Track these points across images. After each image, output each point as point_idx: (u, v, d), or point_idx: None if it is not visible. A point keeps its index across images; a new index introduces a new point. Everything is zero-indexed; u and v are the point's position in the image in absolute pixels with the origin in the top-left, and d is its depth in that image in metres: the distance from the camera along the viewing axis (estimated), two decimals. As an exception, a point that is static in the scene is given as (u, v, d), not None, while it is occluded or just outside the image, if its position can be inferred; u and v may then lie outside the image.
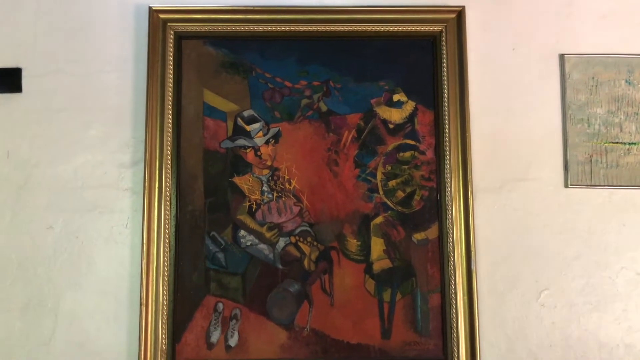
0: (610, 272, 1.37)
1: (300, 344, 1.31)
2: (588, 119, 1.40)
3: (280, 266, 1.34)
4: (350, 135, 1.40)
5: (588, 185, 1.38)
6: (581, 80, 1.41)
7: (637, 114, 1.40)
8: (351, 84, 1.42)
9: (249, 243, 1.35)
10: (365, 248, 1.37)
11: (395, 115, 1.41)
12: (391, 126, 1.41)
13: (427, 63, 1.43)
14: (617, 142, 1.39)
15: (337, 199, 1.38)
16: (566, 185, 1.39)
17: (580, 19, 1.46)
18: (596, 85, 1.41)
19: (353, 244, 1.36)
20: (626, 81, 1.41)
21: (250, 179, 1.38)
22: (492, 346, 1.34)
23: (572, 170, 1.38)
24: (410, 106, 1.41)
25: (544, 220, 1.38)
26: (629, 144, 1.39)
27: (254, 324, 1.32)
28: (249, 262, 1.34)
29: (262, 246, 1.35)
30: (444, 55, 1.41)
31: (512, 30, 1.45)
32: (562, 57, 1.43)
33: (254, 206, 1.37)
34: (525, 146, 1.41)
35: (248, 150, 1.39)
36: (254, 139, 1.39)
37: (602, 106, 1.40)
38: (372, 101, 1.41)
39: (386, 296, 1.35)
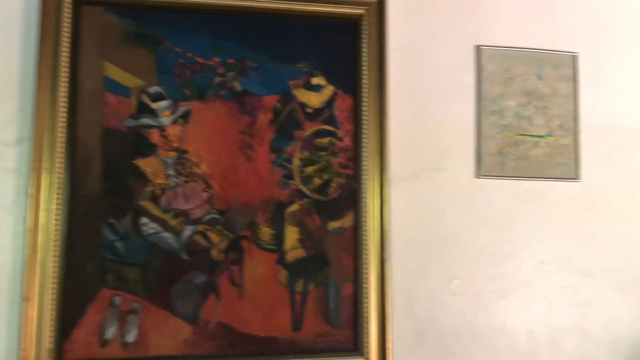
0: (516, 261, 1.48)
1: (206, 338, 1.29)
2: (501, 111, 1.49)
3: (185, 256, 1.31)
4: (267, 118, 1.39)
5: (498, 176, 1.48)
6: (496, 73, 1.50)
7: (546, 108, 1.51)
8: (268, 64, 1.41)
9: (151, 231, 1.30)
10: (279, 237, 1.37)
11: (314, 100, 1.42)
12: (309, 110, 1.42)
13: (347, 47, 1.45)
14: (526, 135, 1.50)
15: (251, 185, 1.37)
16: (478, 176, 1.47)
17: (498, 11, 1.54)
18: (509, 79, 1.51)
19: (266, 232, 1.36)
20: (537, 75, 1.52)
21: (155, 162, 1.33)
22: (403, 336, 1.40)
23: (484, 161, 1.47)
24: (329, 91, 1.43)
25: (456, 210, 1.46)
26: (538, 136, 1.50)
27: (155, 318, 1.28)
28: (151, 252, 1.30)
29: (166, 235, 1.31)
30: (364, 40, 1.43)
31: (432, 19, 1.51)
32: (478, 48, 1.51)
33: (158, 191, 1.32)
34: (440, 136, 1.48)
35: (153, 130, 1.33)
36: (160, 118, 1.34)
37: (514, 99, 1.50)
38: (290, 83, 1.41)
39: (299, 287, 1.36)
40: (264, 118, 1.39)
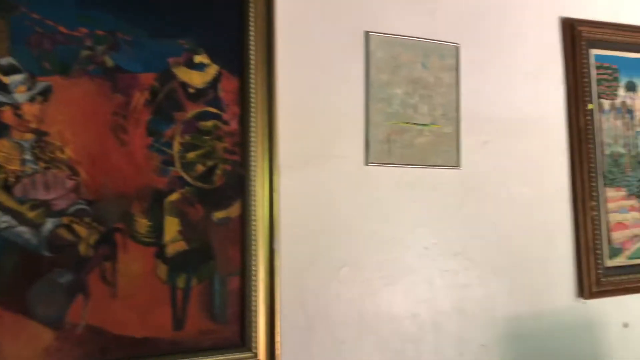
0: (402, 248, 1.54)
1: (71, 344, 1.17)
2: (389, 99, 1.54)
3: (47, 253, 1.18)
4: (143, 98, 1.29)
5: (386, 164, 1.53)
6: (384, 60, 1.55)
7: (430, 97, 1.59)
8: (145, 39, 1.31)
9: (3, 226, 1.15)
10: (158, 229, 1.28)
11: (197, 79, 1.35)
12: (192, 91, 1.35)
13: (234, 25, 1.39)
14: (412, 123, 1.56)
15: (124, 172, 1.26)
16: (366, 163, 1.51)
17: (386, -1, 1.59)
18: (397, 66, 1.56)
19: (143, 224, 1.27)
20: (422, 64, 1.59)
21: (7, 145, 1.17)
22: (293, 327, 1.40)
23: (372, 148, 1.51)
24: (213, 70, 1.37)
25: (345, 197, 1.49)
26: (422, 125, 1.57)
27: (8, 324, 1.13)
28: (3, 250, 1.15)
29: (21, 229, 1.16)
30: (252, 18, 1.39)
31: (321, 1, 1.51)
32: (367, 34, 1.54)
33: (12, 179, 1.17)
34: (330, 122, 1.49)
35: (4, 107, 1.17)
36: (14, 94, 1.18)
37: (401, 87, 1.56)
38: (170, 60, 1.33)
39: (180, 282, 1.29)
40: (139, 98, 1.29)
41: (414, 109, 1.57)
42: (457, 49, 1.64)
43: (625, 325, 1.82)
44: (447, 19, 1.65)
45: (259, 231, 1.35)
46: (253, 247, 1.35)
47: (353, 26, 1.53)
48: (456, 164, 1.61)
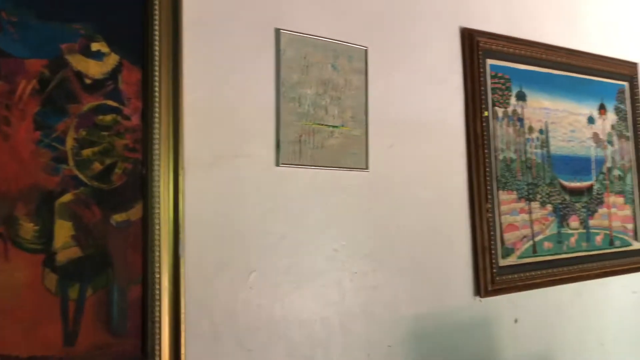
0: (312, 250, 1.57)
1: (-59, 368, 1.06)
2: (299, 99, 1.57)
3: None
4: (30, 87, 1.19)
5: (297, 165, 1.55)
6: (294, 59, 1.57)
7: (340, 99, 1.64)
8: (34, 21, 1.21)
9: None
10: (46, 234, 1.19)
11: (94, 69, 1.27)
12: (88, 81, 1.26)
13: (137, 12, 1.34)
14: (323, 124, 1.60)
15: (7, 169, 1.16)
16: (277, 164, 1.52)
17: (297, -4, 1.62)
18: (307, 66, 1.59)
19: (28, 228, 1.17)
20: (332, 66, 1.64)
21: None
22: (198, 337, 1.37)
23: (283, 149, 1.53)
24: (113, 60, 1.30)
25: (255, 199, 1.49)
26: (333, 126, 1.62)
27: None
28: None
29: None
30: (157, 7, 1.34)
31: (231, -6, 1.51)
32: (278, 31, 1.55)
33: None
34: (240, 120, 1.48)
35: None
36: None
37: (311, 87, 1.59)
38: (63, 47, 1.24)
39: (73, 293, 1.21)
40: (25, 86, 1.19)
41: (325, 110, 1.61)
42: (365, 52, 1.71)
43: (516, 320, 2.01)
44: (356, 22, 1.72)
45: (162, 235, 1.31)
46: (156, 253, 1.30)
47: (264, 22, 1.54)
48: (365, 167, 1.68)
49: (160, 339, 1.28)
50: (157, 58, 1.34)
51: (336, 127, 1.63)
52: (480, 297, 1.90)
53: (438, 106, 1.89)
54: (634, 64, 2.53)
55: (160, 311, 1.29)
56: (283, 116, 1.53)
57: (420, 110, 1.85)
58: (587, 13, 2.43)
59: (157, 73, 1.33)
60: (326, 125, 1.61)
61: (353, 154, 1.66)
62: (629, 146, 2.47)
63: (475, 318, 1.90)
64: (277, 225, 1.52)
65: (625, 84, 2.49)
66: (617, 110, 2.44)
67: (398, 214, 1.75)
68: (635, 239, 2.43)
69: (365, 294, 1.66)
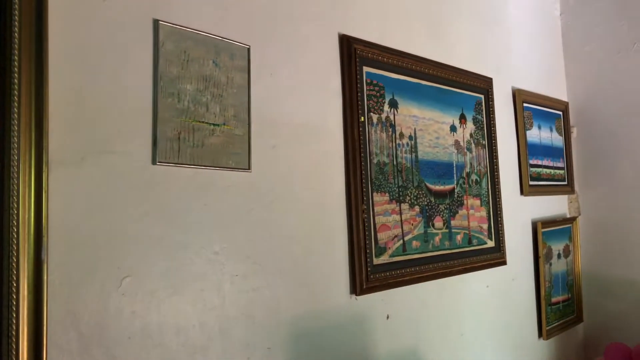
0: (191, 253, 1.51)
1: None
2: (179, 94, 1.50)
3: None
4: None
5: (176, 164, 1.48)
6: (174, 52, 1.51)
7: (222, 96, 1.60)
8: None
9: None
10: None
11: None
12: None
13: (-10, -12, 1.19)
14: (203, 122, 1.55)
15: None
16: (154, 162, 1.44)
17: (176, -12, 1.55)
18: (187, 61, 1.54)
19: None
20: (214, 62, 1.60)
21: None
22: (63, 351, 1.24)
23: (161, 146, 1.45)
24: (-39, 39, 1.14)
25: (129, 199, 1.39)
26: (213, 125, 1.58)
27: None
28: None
29: None
30: (17, -16, 1.21)
31: (104, -22, 1.40)
32: (156, 22, 1.48)
33: None
34: (113, 115, 1.37)
35: None
36: None
37: (192, 83, 1.54)
38: None
39: None
40: None
41: (206, 107, 1.56)
42: (248, 51, 1.69)
43: (388, 317, 2.11)
44: (239, 19, 1.69)
45: (22, 238, 1.17)
46: (13, 258, 1.16)
47: (142, 12, 1.45)
48: (247, 167, 1.65)
49: (18, 355, 1.14)
50: (16, 44, 1.20)
51: (217, 125, 1.59)
52: (356, 295, 1.97)
53: (319, 109, 1.93)
54: (490, 79, 2.80)
55: (17, 324, 1.15)
56: (161, 112, 1.46)
57: (302, 113, 1.87)
58: (452, 30, 2.64)
59: (16, 60, 1.20)
60: (207, 123, 1.56)
61: (235, 154, 1.63)
62: (485, 153, 2.72)
63: (351, 316, 1.97)
64: (154, 227, 1.44)
65: (482, 96, 2.74)
66: (475, 120, 2.68)
67: (279, 215, 1.75)
68: (489, 238, 2.68)
69: (246, 297, 1.63)
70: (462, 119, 2.60)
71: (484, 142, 2.73)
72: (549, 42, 3.57)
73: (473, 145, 2.66)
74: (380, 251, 2.09)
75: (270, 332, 1.69)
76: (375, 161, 2.11)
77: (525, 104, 3.10)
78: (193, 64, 1.55)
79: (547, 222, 3.17)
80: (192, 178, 1.53)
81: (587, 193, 3.56)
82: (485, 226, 2.67)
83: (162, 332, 1.43)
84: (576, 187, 3.58)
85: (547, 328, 3.05)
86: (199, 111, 1.55)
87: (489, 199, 2.71)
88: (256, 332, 1.65)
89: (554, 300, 3.17)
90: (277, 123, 1.78)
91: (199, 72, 1.56)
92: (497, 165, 2.79)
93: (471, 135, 2.65)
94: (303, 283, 1.80)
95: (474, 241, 2.58)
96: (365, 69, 2.12)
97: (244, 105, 1.66)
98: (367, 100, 2.11)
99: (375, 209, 2.09)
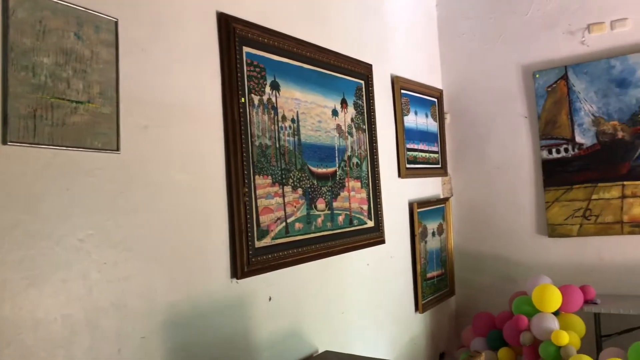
0: (51, 242, 1.38)
1: None
2: (34, 68, 1.36)
3: None
4: None
5: (31, 144, 1.34)
6: (27, 22, 1.36)
7: (85, 72, 1.48)
8: None
9: None
10: None
11: None
12: None
13: None
14: (64, 99, 1.42)
15: None
16: (5, 142, 1.30)
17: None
18: (44, 32, 1.39)
19: None
20: (75, 34, 1.46)
21: None
22: None
23: (12, 124, 1.30)
24: None
25: (-26, 183, 1.25)
26: (76, 102, 1.45)
27: None
28: None
29: None
30: None
31: None
32: (6, -13, 1.32)
33: None
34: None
35: None
36: None
37: (49, 56, 1.40)
38: None
39: None
40: None
41: (67, 83, 1.43)
42: (116, 24, 1.57)
43: (270, 299, 2.11)
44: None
45: None
46: None
47: (-14, -27, 1.29)
48: (115, 148, 1.55)
49: None
50: None
51: (81, 103, 1.46)
52: (237, 278, 1.94)
53: (195, 89, 1.85)
54: (370, 65, 2.87)
55: None
56: (12, 87, 1.31)
57: (178, 92, 1.78)
58: (335, 16, 2.67)
59: None
60: (68, 100, 1.43)
61: (102, 134, 1.51)
62: (365, 137, 2.80)
63: (232, 300, 1.93)
64: (6, 212, 1.30)
65: (362, 82, 2.81)
66: (356, 105, 2.74)
67: (153, 199, 1.67)
68: (369, 218, 2.77)
69: (116, 285, 1.54)
70: (344, 103, 2.65)
71: (364, 126, 2.80)
72: (426, 32, 3.75)
73: (354, 129, 2.72)
74: (263, 234, 2.07)
75: (144, 321, 1.61)
76: (257, 144, 2.08)
77: (403, 91, 3.23)
78: (51, 36, 1.41)
79: (423, 203, 3.34)
80: (51, 160, 1.40)
81: (458, 175, 3.81)
82: (365, 207, 2.75)
83: (17, 327, 1.30)
84: (449, 170, 3.81)
85: (423, 302, 3.24)
86: (59, 87, 1.41)
87: (369, 181, 2.80)
88: (128, 321, 1.56)
89: (429, 275, 3.37)
90: (150, 102, 1.68)
91: (58, 45, 1.42)
92: (376, 149, 2.88)
93: (352, 119, 2.71)
94: (180, 269, 1.74)
95: (355, 222, 2.66)
96: (246, 49, 2.07)
97: (112, 82, 1.55)
98: (247, 81, 2.07)
99: (257, 192, 2.06)
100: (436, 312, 3.49)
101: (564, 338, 2.72)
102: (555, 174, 3.40)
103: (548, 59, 3.44)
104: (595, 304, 3.00)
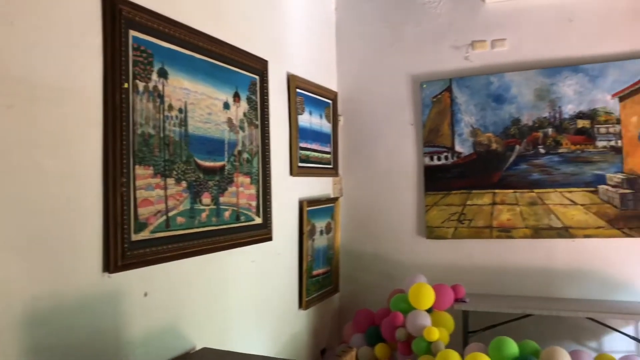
0: None
1: None
2: None
3: None
4: None
5: None
6: None
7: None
8: None
9: None
10: None
11: None
12: None
13: None
14: None
15: None
16: None
17: None
18: None
19: None
20: None
21: None
22: None
23: None
24: None
25: None
26: None
27: None
28: None
29: None
30: None
31: None
32: None
33: None
34: None
35: None
36: None
37: None
38: None
39: None
40: None
41: None
42: (-21, -10, 1.43)
43: (146, 294, 2.02)
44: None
45: None
46: None
47: None
48: (-30, 126, 1.40)
49: None
50: None
51: None
52: (110, 272, 1.84)
53: (73, 69, 1.73)
54: (265, 61, 2.86)
55: None
56: None
57: (50, 71, 1.66)
58: (232, 9, 2.62)
59: None
60: None
61: (-46, 110, 1.36)
62: (257, 133, 2.78)
63: (103, 295, 1.83)
64: None
65: (257, 77, 2.79)
66: (249, 100, 2.72)
67: (15, 186, 1.53)
68: (258, 215, 2.77)
69: (-35, 277, 1.39)
70: (236, 97, 2.62)
71: (257, 122, 2.79)
72: (324, 34, 3.81)
73: (246, 124, 2.69)
74: (141, 227, 1.98)
75: (1, 314, 1.47)
76: (139, 132, 1.99)
77: (298, 90, 3.26)
78: None
79: (313, 202, 3.40)
80: None
81: (349, 176, 3.92)
82: (254, 203, 2.74)
83: None
84: (340, 171, 3.91)
85: (307, 299, 3.29)
86: None
87: (259, 178, 2.79)
88: (-24, 318, 1.42)
89: (314, 273, 3.43)
90: (17, 79, 1.54)
91: None
92: (268, 145, 2.88)
93: (245, 114, 2.68)
94: (44, 261, 1.61)
95: (242, 218, 2.63)
96: (133, 32, 1.97)
97: (-31, 54, 1.40)
98: (133, 66, 1.97)
99: (137, 182, 1.97)
100: (320, 309, 3.56)
101: (435, 334, 2.89)
102: (436, 180, 3.61)
103: (435, 71, 3.64)
104: (465, 302, 3.23)
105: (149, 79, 2.05)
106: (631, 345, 3.19)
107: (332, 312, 3.80)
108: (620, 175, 3.22)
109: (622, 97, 3.22)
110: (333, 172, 3.79)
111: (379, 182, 3.82)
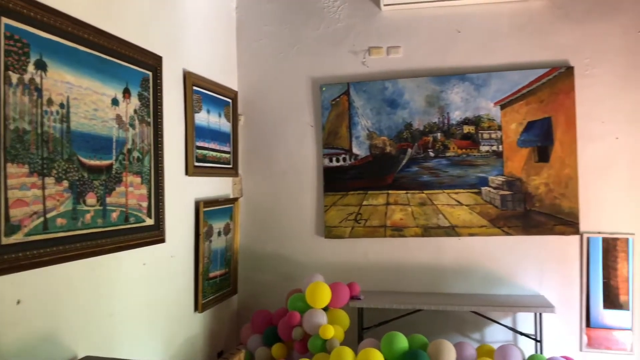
0: None
1: None
2: None
3: None
4: None
5: None
6: None
7: None
8: None
9: None
10: None
11: None
12: None
13: None
14: None
15: None
16: None
17: None
18: None
19: None
20: None
21: None
22: None
23: None
24: None
25: None
26: None
27: None
28: None
29: None
30: None
31: None
32: None
33: None
34: None
35: None
36: None
37: None
38: None
39: None
40: None
41: None
42: None
43: (19, 302, 1.88)
44: None
45: None
46: None
47: None
48: None
49: None
50: None
51: None
52: (-26, 280, 1.69)
53: None
54: (159, 57, 2.77)
55: None
56: None
57: None
58: (124, 1, 2.50)
59: None
60: None
61: None
62: (150, 131, 2.69)
63: (-34, 304, 1.68)
64: None
65: (150, 73, 2.70)
66: (141, 97, 2.61)
67: None
68: (149, 216, 2.67)
69: None
70: (126, 93, 2.51)
71: (149, 119, 2.69)
72: (224, 33, 3.76)
73: (137, 121, 2.59)
74: (13, 229, 1.84)
75: None
76: (12, 127, 1.85)
77: (195, 88, 3.19)
78: None
79: (210, 202, 3.34)
80: None
81: (249, 176, 3.90)
82: (145, 204, 2.64)
83: None
84: (240, 171, 3.87)
85: (203, 301, 3.22)
86: None
87: (151, 177, 2.69)
88: None
89: (211, 275, 3.37)
90: None
91: None
92: (161, 144, 2.79)
93: (135, 111, 2.58)
94: None
95: (132, 219, 2.53)
96: (5, 20, 1.82)
97: None
98: (5, 56, 1.82)
99: (9, 181, 1.83)
100: (217, 311, 3.51)
101: (330, 332, 2.95)
102: (334, 181, 3.69)
103: (334, 75, 3.72)
104: (359, 299, 3.33)
105: (25, 70, 1.91)
106: (509, 335, 3.44)
107: (230, 314, 3.76)
108: (501, 178, 3.48)
109: (503, 105, 3.48)
110: (232, 172, 3.75)
111: (279, 183, 3.83)
